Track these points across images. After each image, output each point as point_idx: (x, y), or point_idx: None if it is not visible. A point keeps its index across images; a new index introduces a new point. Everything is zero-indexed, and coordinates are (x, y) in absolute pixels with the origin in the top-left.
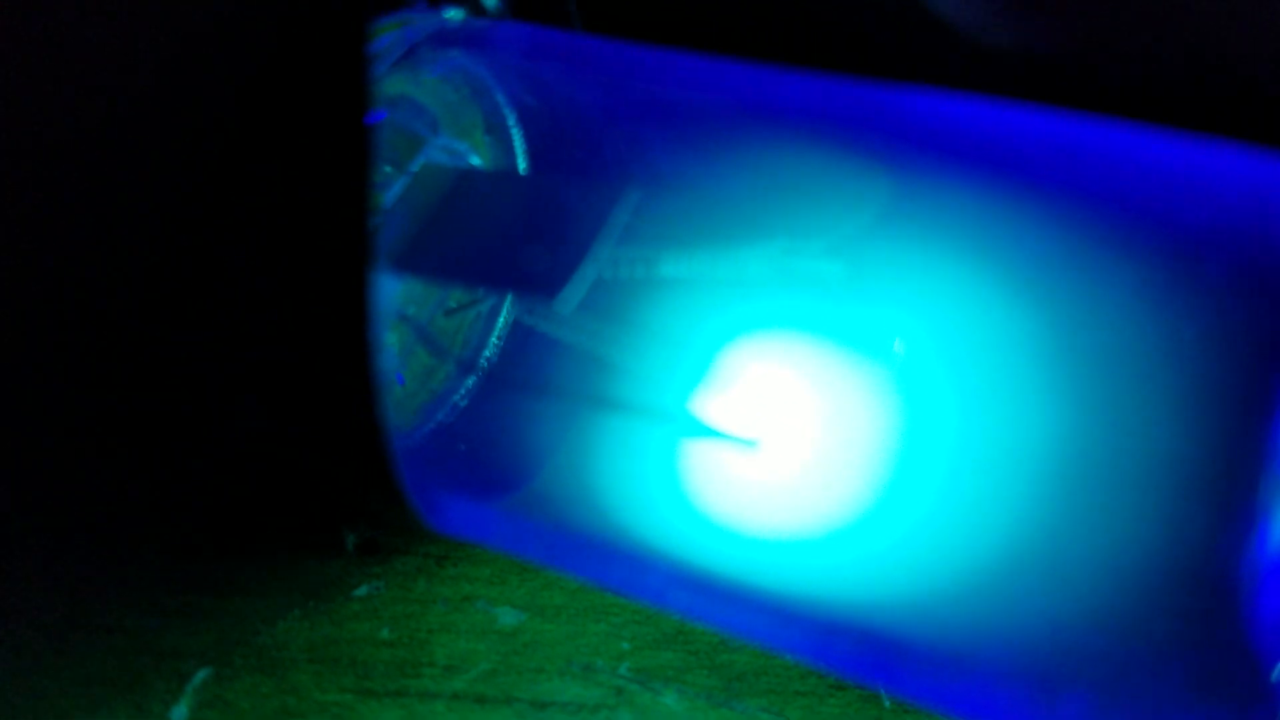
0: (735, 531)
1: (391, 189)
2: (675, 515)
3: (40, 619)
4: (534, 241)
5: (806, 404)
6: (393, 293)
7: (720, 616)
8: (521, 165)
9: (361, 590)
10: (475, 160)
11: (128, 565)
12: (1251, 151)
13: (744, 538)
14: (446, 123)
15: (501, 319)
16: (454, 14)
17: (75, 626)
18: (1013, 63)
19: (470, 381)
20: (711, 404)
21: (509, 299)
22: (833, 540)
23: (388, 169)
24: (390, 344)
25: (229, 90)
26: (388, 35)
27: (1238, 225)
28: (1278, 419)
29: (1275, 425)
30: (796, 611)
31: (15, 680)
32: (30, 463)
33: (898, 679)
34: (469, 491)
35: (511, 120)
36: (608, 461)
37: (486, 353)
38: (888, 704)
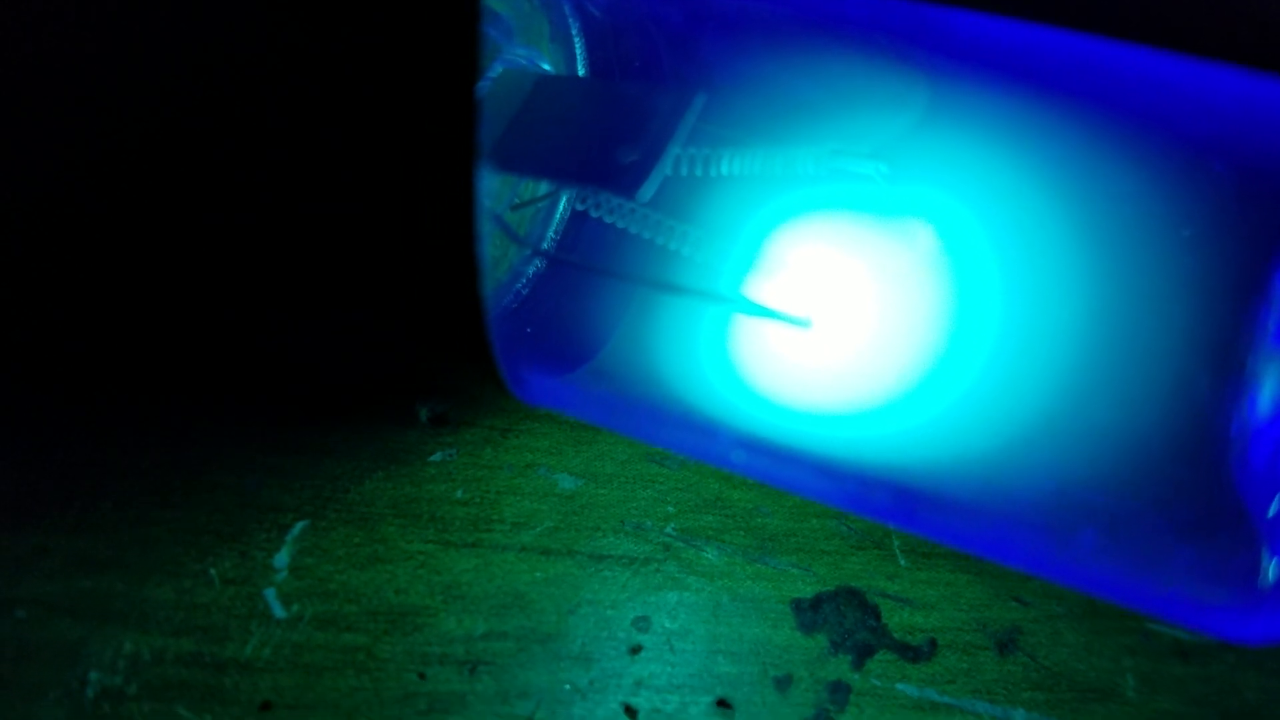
0: (787, 401)
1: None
2: (732, 387)
3: (147, 476)
4: (610, 141)
5: (854, 288)
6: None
7: (769, 473)
8: (581, 71)
9: (436, 456)
10: (546, 66)
11: (226, 428)
12: (1247, 72)
13: (796, 407)
14: (519, 30)
15: (559, 213)
16: None
17: (181, 483)
18: None
19: (532, 270)
20: (766, 287)
21: (566, 194)
22: (878, 409)
23: None
24: None
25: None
26: None
27: (1236, 135)
28: (1266, 298)
29: (1264, 304)
30: (840, 470)
31: (127, 531)
32: (140, 340)
33: (930, 527)
34: (541, 366)
35: (575, 29)
36: (669, 339)
37: (545, 244)
38: (903, 562)
